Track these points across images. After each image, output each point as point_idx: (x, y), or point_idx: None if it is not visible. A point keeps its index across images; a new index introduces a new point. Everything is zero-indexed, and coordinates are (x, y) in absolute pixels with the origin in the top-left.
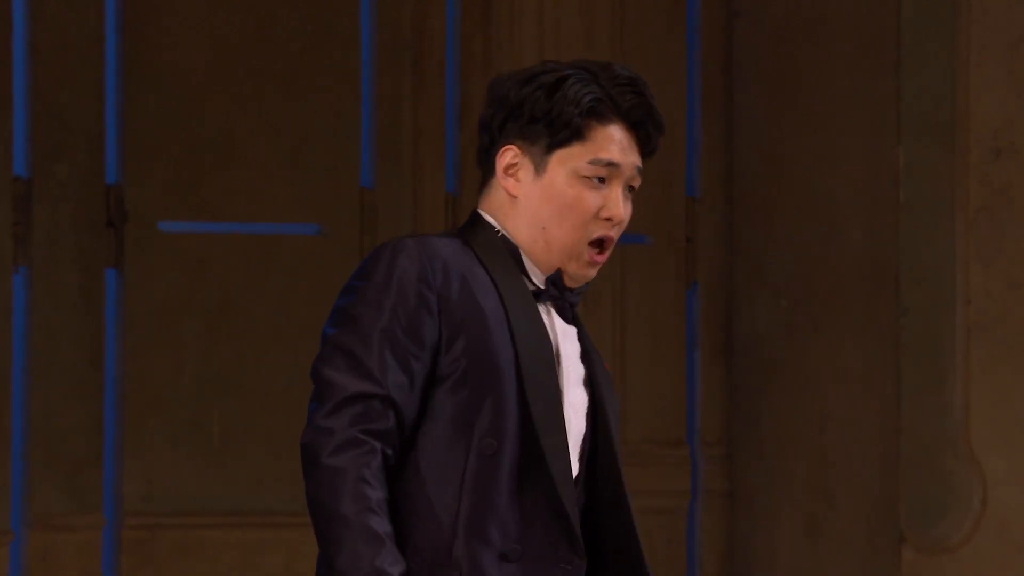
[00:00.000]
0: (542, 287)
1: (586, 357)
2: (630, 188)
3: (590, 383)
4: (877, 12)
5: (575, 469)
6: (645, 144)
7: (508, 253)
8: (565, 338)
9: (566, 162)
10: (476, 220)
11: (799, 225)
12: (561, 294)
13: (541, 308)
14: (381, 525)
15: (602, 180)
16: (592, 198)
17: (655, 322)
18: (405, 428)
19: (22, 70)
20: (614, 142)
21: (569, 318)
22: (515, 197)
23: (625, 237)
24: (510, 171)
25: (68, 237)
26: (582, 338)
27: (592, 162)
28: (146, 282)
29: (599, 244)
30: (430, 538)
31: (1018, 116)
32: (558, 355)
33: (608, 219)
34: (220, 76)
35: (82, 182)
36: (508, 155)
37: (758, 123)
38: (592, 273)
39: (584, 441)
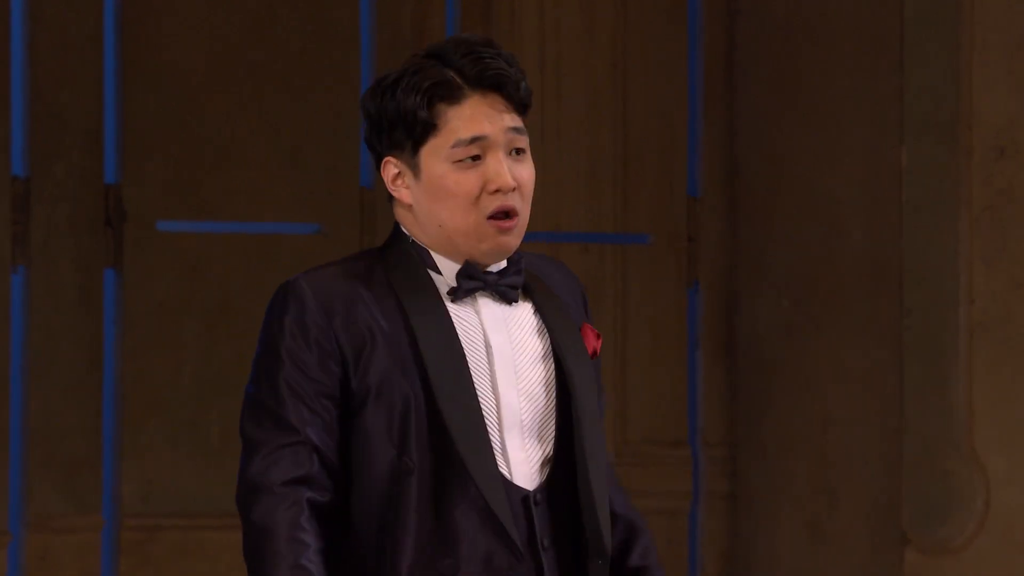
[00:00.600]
0: (455, 284)
1: (552, 329)
2: (518, 151)
3: (554, 357)
4: (879, 11)
5: (545, 450)
6: (513, 100)
7: (419, 260)
8: (504, 324)
9: (434, 155)
10: (393, 233)
11: (801, 225)
12: (484, 280)
13: (463, 304)
14: None
15: (477, 157)
16: (471, 178)
17: (656, 322)
18: (332, 466)
19: (20, 69)
20: (472, 117)
21: (514, 298)
22: (410, 204)
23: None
24: (397, 182)
25: (67, 237)
26: (544, 310)
27: (455, 145)
28: (145, 282)
29: (502, 216)
30: (368, 569)
31: (1021, 115)
32: (488, 346)
33: (497, 190)
34: (219, 75)
35: (81, 182)
36: (389, 167)
37: (760, 122)
38: (509, 241)
39: (556, 416)
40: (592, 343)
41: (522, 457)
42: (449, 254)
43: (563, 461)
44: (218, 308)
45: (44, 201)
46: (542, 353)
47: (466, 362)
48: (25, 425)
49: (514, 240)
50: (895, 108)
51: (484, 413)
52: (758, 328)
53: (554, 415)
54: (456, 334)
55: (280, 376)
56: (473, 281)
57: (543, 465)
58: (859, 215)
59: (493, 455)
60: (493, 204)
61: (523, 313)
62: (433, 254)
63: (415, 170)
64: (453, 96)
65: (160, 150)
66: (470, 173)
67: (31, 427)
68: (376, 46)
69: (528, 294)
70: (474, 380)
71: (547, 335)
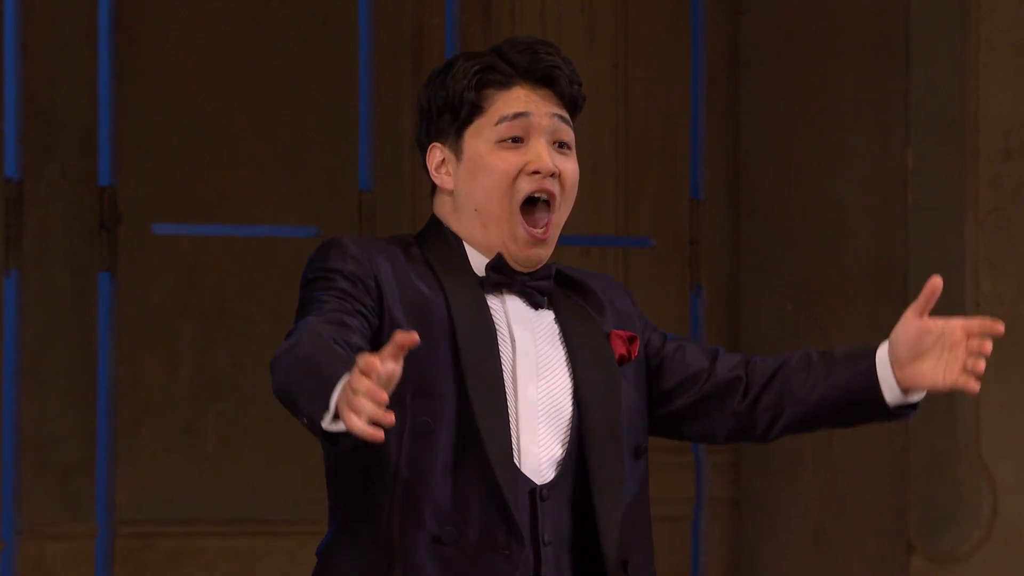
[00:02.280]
0: (483, 275)
1: (570, 339)
2: (562, 144)
3: (572, 365)
4: (885, 11)
5: (559, 451)
6: (562, 97)
7: (453, 246)
8: (526, 325)
9: (477, 135)
10: (429, 223)
11: (806, 227)
12: (512, 279)
13: (492, 296)
14: (330, 354)
15: (519, 140)
16: (511, 156)
17: (659, 325)
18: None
19: (13, 70)
20: (519, 99)
21: (540, 303)
22: (451, 191)
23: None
24: (440, 169)
25: (60, 240)
26: (565, 320)
27: (499, 122)
28: (139, 285)
29: (534, 207)
30: (368, 521)
31: None
32: (512, 342)
33: (535, 172)
34: (215, 76)
35: (74, 184)
36: (434, 154)
37: (764, 124)
38: (538, 252)
39: (571, 424)
40: (621, 348)
41: (534, 451)
42: (481, 246)
43: (576, 467)
44: (214, 312)
45: (37, 203)
46: (560, 360)
47: (496, 336)
48: (18, 431)
49: (544, 252)
50: (901, 109)
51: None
52: (762, 332)
53: (571, 421)
54: (488, 309)
55: (325, 290)
56: (502, 276)
57: (556, 464)
58: (864, 217)
59: (510, 435)
60: (529, 185)
61: (545, 320)
62: (466, 245)
63: (459, 153)
64: (503, 82)
65: (155, 152)
66: (509, 153)
67: (24, 433)
68: (375, 46)
69: (552, 304)
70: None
71: (564, 344)
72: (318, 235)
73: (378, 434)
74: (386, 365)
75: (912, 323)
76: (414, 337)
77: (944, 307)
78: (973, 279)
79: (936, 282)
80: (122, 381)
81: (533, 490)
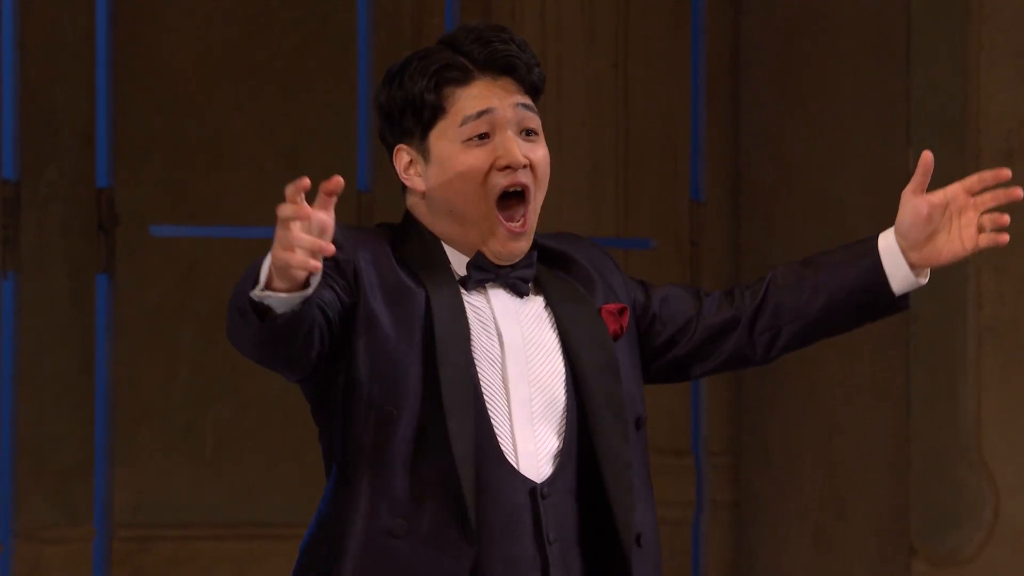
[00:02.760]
0: (465, 274)
1: (562, 324)
2: (529, 132)
3: (565, 351)
4: (886, 11)
5: (558, 443)
6: (523, 83)
7: (430, 246)
8: (513, 317)
9: (442, 136)
10: (405, 220)
11: (807, 228)
12: (495, 273)
13: (475, 294)
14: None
15: (486, 136)
16: (479, 155)
17: None
18: (329, 315)
19: (11, 70)
20: (479, 95)
21: (525, 291)
22: (423, 192)
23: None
24: (409, 170)
25: (58, 241)
26: (555, 303)
27: (463, 123)
28: (138, 287)
29: (510, 201)
30: (328, 510)
31: None
32: (500, 338)
33: (507, 167)
34: (214, 76)
35: (72, 185)
36: (401, 156)
37: (765, 125)
38: (518, 245)
39: (567, 412)
40: (614, 324)
41: (531, 449)
42: (460, 245)
43: (578, 454)
44: (212, 314)
45: (35, 205)
46: (553, 347)
47: (470, 335)
48: (15, 433)
49: (524, 245)
50: (902, 110)
51: (495, 404)
52: None
53: (567, 408)
54: (464, 309)
55: None
56: (484, 272)
57: (554, 458)
58: (866, 219)
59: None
60: (503, 181)
61: (534, 307)
62: (444, 245)
63: (426, 155)
64: (461, 78)
65: (154, 153)
66: (478, 151)
67: (21, 435)
68: (374, 46)
69: (539, 287)
70: (487, 371)
71: (557, 329)
72: None
73: (316, 264)
74: (317, 213)
75: (914, 202)
76: (338, 181)
77: (945, 309)
78: (975, 280)
79: (928, 156)
80: (120, 383)
81: (533, 489)
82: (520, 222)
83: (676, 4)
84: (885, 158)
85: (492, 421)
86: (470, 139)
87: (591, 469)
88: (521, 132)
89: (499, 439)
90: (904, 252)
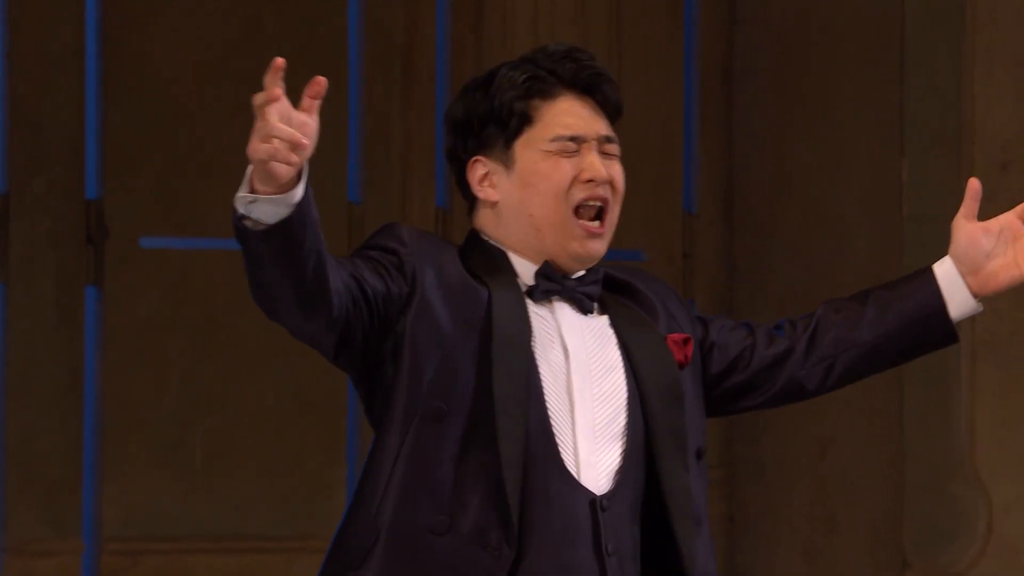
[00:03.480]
0: (532, 283)
1: (627, 343)
2: (610, 154)
3: (630, 370)
4: (881, 22)
5: (620, 458)
6: (605, 106)
7: (497, 257)
8: (578, 331)
9: (529, 146)
10: (469, 237)
11: (801, 240)
12: (562, 285)
13: (541, 306)
14: None
15: (572, 152)
16: (566, 164)
17: None
18: (368, 296)
19: (0, 82)
20: (569, 114)
21: (589, 308)
22: (497, 203)
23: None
24: (484, 182)
25: (47, 253)
26: (620, 324)
27: (554, 140)
28: (127, 299)
29: (590, 212)
30: (363, 501)
31: None
32: (565, 350)
33: (590, 180)
34: (204, 87)
35: (61, 197)
36: (477, 168)
37: (759, 135)
38: (596, 247)
39: (629, 431)
40: (679, 354)
41: (592, 461)
42: (530, 254)
43: (639, 474)
44: (202, 326)
45: (24, 217)
46: (617, 365)
47: (531, 338)
48: (4, 446)
49: (601, 247)
50: (897, 120)
51: (558, 413)
52: None
53: (630, 427)
54: (527, 310)
55: (352, 257)
56: (551, 283)
57: (615, 473)
58: (861, 230)
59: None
60: (582, 192)
61: (599, 324)
62: (511, 255)
63: (507, 163)
64: (549, 92)
65: (143, 164)
66: (565, 161)
67: (9, 448)
68: (365, 56)
69: (604, 308)
70: (551, 380)
71: (622, 348)
72: None
73: (296, 157)
74: (298, 113)
75: (969, 227)
76: (321, 80)
77: None
78: None
79: (975, 183)
80: (109, 396)
81: (593, 500)
82: (599, 223)
83: (669, 14)
84: (880, 169)
85: (554, 430)
86: (558, 152)
87: (652, 492)
88: (602, 152)
89: (560, 448)
90: (963, 276)
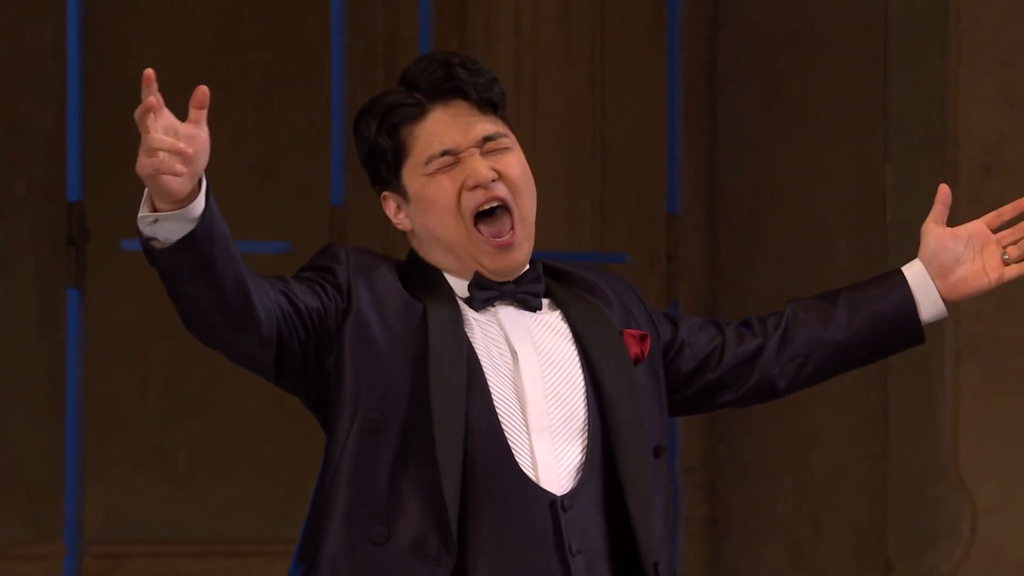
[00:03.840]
0: (467, 295)
1: (581, 337)
2: (493, 139)
3: (586, 363)
4: (865, 25)
5: (580, 455)
6: (481, 104)
7: (432, 276)
8: (527, 332)
9: (413, 173)
10: (408, 257)
11: (784, 243)
12: (499, 290)
13: (484, 313)
14: None
15: (451, 165)
16: (447, 180)
17: None
18: (299, 312)
19: None
20: (439, 130)
21: (535, 305)
22: (413, 231)
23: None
24: (399, 214)
25: (28, 256)
26: (573, 317)
27: (428, 161)
28: (109, 302)
29: (492, 217)
30: (312, 512)
31: (1010, 132)
32: (513, 353)
33: (475, 186)
34: (185, 89)
35: (42, 199)
36: (388, 203)
37: (742, 139)
38: (511, 258)
39: (589, 426)
40: (635, 348)
41: (551, 462)
42: (458, 271)
43: (602, 470)
44: (184, 329)
45: (4, 219)
46: (571, 359)
47: (466, 348)
48: None
49: (517, 255)
50: (880, 124)
51: (509, 417)
52: None
53: (589, 422)
54: (461, 322)
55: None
56: (487, 291)
57: (577, 471)
58: (844, 233)
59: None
60: (474, 200)
61: (549, 319)
62: (445, 274)
63: (404, 195)
64: (414, 115)
65: (125, 166)
66: (445, 177)
67: None
68: (348, 59)
69: (557, 302)
70: (499, 384)
71: (577, 341)
72: (289, 251)
73: (181, 168)
74: (185, 125)
75: (938, 231)
76: (203, 90)
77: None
78: None
79: (945, 189)
80: (91, 399)
81: (554, 502)
82: (508, 235)
83: (653, 18)
84: (863, 172)
85: (506, 434)
86: (438, 170)
87: (615, 486)
88: (486, 151)
89: (514, 452)
90: (933, 279)
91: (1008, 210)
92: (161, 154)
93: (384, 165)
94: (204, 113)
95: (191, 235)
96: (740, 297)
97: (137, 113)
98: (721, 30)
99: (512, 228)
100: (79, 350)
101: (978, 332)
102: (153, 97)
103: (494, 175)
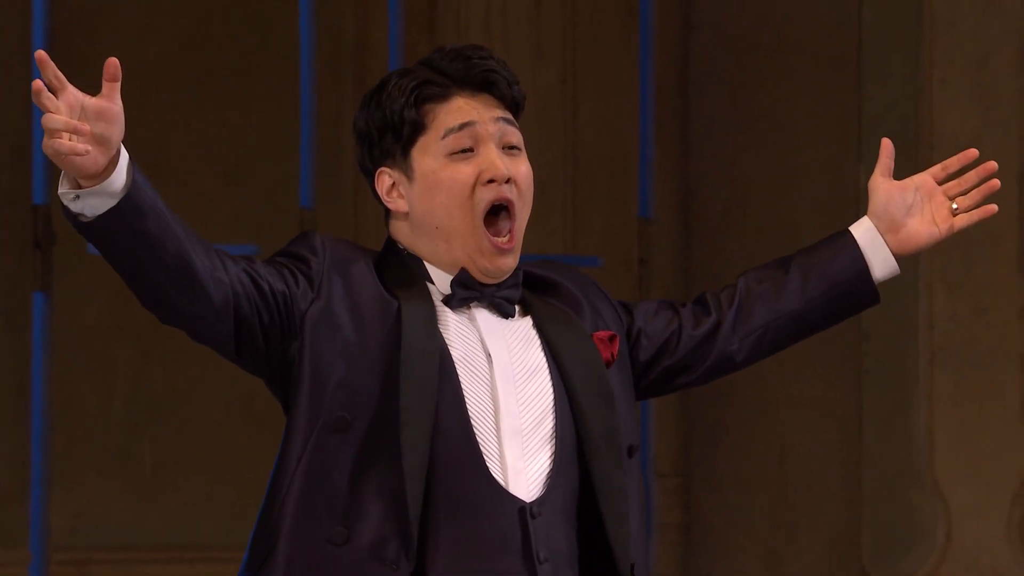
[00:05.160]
0: (448, 292)
1: (552, 344)
2: (512, 147)
3: (559, 372)
4: (838, 27)
5: (550, 462)
6: (503, 99)
7: (412, 269)
8: (500, 336)
9: (425, 151)
10: (386, 246)
11: (758, 246)
12: (480, 292)
13: (460, 313)
14: None
15: (469, 150)
16: (464, 169)
17: None
18: (262, 292)
19: None
20: (460, 109)
21: (510, 312)
22: (406, 213)
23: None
24: (393, 192)
25: None
26: (544, 325)
27: (445, 135)
28: (75, 306)
29: (496, 216)
30: (266, 506)
31: (985, 134)
32: (488, 357)
33: (491, 180)
34: (152, 91)
35: (8, 202)
36: (384, 179)
37: (715, 141)
38: (505, 261)
39: (559, 433)
40: (605, 352)
41: (521, 467)
42: (445, 264)
43: (572, 477)
44: (151, 334)
45: None
46: (542, 367)
47: (439, 350)
48: None
49: (511, 261)
50: (854, 126)
51: (482, 422)
52: None
53: (559, 429)
54: (436, 324)
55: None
56: (469, 291)
57: (547, 478)
58: (817, 235)
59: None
60: (487, 195)
61: (521, 327)
62: (427, 265)
63: (409, 173)
64: (441, 94)
65: None
66: (462, 164)
67: None
68: (317, 60)
69: (527, 309)
70: (473, 387)
71: (546, 349)
72: (258, 253)
73: (81, 147)
74: (95, 101)
75: (886, 184)
76: (113, 62)
77: (897, 329)
78: (927, 298)
79: (888, 142)
80: (56, 404)
81: (523, 508)
82: (507, 237)
83: (624, 19)
84: (837, 175)
85: (478, 439)
86: (453, 153)
87: (587, 494)
88: (503, 147)
89: (485, 457)
90: (882, 235)
91: (953, 162)
92: (63, 135)
93: (394, 137)
94: (116, 86)
95: (115, 210)
96: None
97: (32, 95)
98: (694, 32)
99: (511, 232)
100: (44, 354)
101: (952, 337)
102: (38, 80)
103: (509, 174)
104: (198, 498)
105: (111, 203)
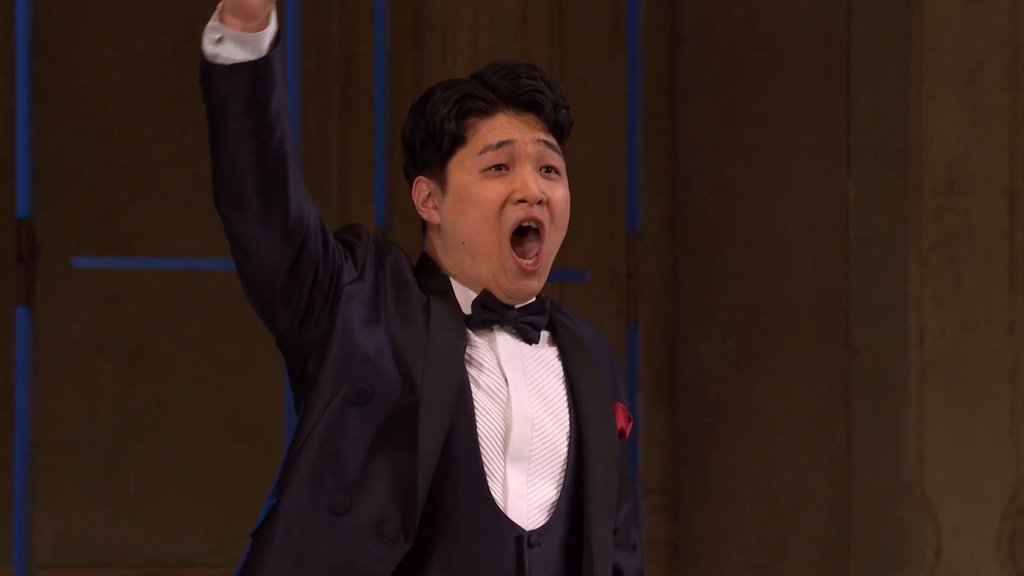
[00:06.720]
0: (469, 311)
1: (574, 381)
2: (550, 170)
3: (576, 407)
4: (827, 39)
5: (553, 493)
6: (547, 122)
7: (441, 282)
8: (520, 362)
9: (460, 165)
10: (420, 260)
11: (747, 260)
12: (502, 315)
13: (481, 335)
14: None
15: (504, 168)
16: (497, 185)
17: None
18: (329, 237)
19: None
20: (502, 127)
21: (533, 338)
22: (439, 225)
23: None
24: (428, 202)
25: None
26: (570, 360)
27: (482, 151)
28: (59, 320)
29: (524, 237)
30: (282, 476)
31: (974, 147)
32: (505, 378)
33: (522, 200)
34: (137, 103)
35: None
36: (420, 188)
37: (703, 154)
38: (528, 284)
39: (567, 466)
40: (621, 423)
41: (523, 492)
42: (470, 280)
43: (568, 511)
44: (135, 348)
45: None
46: (561, 398)
47: (466, 346)
48: None
49: (536, 284)
50: (842, 139)
51: (490, 445)
52: (702, 368)
53: (567, 461)
54: (464, 330)
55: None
56: (490, 313)
57: (549, 508)
58: (807, 251)
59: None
60: (517, 214)
61: (544, 354)
62: (452, 282)
63: (443, 185)
64: (485, 109)
65: (75, 182)
66: (495, 182)
67: None
68: (302, 73)
69: (555, 339)
70: (487, 405)
71: (568, 384)
72: None
73: None
74: None
75: None
76: None
77: (887, 343)
78: (916, 313)
79: None
80: (40, 419)
81: (520, 536)
82: (533, 260)
83: (612, 31)
84: (826, 188)
85: (483, 458)
86: (487, 169)
87: (579, 528)
88: (541, 168)
89: (488, 481)
90: None
91: None
92: None
93: (434, 148)
94: None
95: (251, 64)
96: (701, 314)
97: None
98: (681, 44)
99: (538, 255)
100: (28, 369)
101: (943, 352)
102: None
103: (543, 196)
104: (182, 514)
105: (250, 57)
